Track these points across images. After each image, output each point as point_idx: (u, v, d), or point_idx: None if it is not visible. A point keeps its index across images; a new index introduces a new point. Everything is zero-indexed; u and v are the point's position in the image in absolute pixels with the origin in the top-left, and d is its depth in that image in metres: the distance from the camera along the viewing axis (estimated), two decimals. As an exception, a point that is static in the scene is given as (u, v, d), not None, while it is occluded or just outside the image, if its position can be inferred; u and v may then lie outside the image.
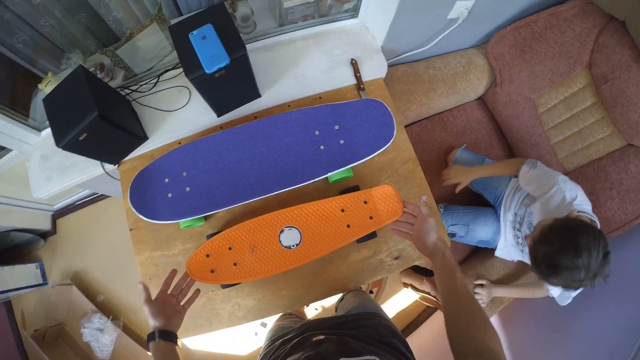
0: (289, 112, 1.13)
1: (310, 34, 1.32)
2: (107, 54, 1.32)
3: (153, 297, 0.87)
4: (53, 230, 2.18)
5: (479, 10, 1.31)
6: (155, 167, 1.13)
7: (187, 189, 1.09)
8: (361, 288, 1.38)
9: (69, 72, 1.11)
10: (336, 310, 1.32)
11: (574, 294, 1.22)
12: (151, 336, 0.80)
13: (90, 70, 1.26)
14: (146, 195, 1.11)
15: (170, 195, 1.09)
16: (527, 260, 1.32)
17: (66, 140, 1.00)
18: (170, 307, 0.87)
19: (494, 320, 1.64)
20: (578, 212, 1.13)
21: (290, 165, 1.09)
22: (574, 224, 1.03)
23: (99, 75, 1.29)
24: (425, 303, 1.94)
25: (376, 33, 1.31)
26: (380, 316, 0.99)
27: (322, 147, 1.10)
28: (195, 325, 1.14)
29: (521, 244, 1.39)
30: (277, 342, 0.93)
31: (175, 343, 0.81)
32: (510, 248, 1.46)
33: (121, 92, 1.27)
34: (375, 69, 1.28)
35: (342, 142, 1.10)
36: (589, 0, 1.45)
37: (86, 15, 1.26)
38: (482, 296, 1.46)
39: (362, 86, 1.24)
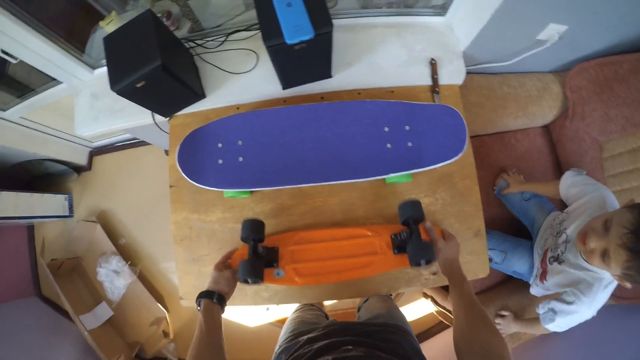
0: (361, 101, 1.00)
1: (393, 23, 1.16)
2: (177, 2, 1.19)
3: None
4: (88, 166, 2.10)
5: (568, 36, 1.15)
6: (211, 129, 1.01)
7: (240, 159, 0.97)
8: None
9: (133, 14, 0.99)
10: (358, 310, 1.22)
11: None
12: (209, 295, 0.80)
13: (158, 15, 1.15)
14: (195, 157, 0.99)
15: (221, 161, 0.98)
16: (539, 291, 1.24)
17: (122, 85, 0.89)
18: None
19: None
20: None
21: (352, 157, 0.96)
22: None
23: (165, 23, 1.17)
24: (440, 318, 1.83)
25: (461, 37, 1.15)
26: (408, 332, 0.90)
27: (388, 145, 0.97)
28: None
29: (536, 275, 1.23)
30: (301, 338, 0.84)
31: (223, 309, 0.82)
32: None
33: (186, 45, 1.15)
34: (453, 74, 1.13)
35: (410, 144, 0.97)
36: None
37: None
38: (502, 327, 1.34)
39: (437, 89, 1.10)
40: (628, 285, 0.85)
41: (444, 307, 1.68)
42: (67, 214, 2.02)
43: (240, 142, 0.98)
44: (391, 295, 1.86)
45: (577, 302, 1.00)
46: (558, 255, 1.09)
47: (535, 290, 1.26)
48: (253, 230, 0.88)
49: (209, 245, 1.07)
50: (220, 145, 0.99)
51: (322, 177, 0.94)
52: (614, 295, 1.33)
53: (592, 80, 1.33)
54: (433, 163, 0.96)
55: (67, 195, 2.03)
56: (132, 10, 1.21)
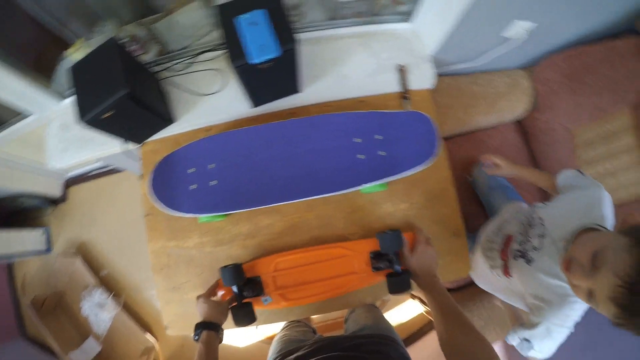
0: (331, 115, 1.01)
1: (359, 33, 1.18)
2: (143, 26, 1.20)
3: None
4: (63, 198, 2.06)
5: (536, 33, 1.18)
6: (182, 154, 1.01)
7: (213, 182, 0.97)
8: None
9: (100, 40, 0.99)
10: (346, 321, 1.22)
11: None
12: (211, 326, 0.82)
13: (123, 41, 1.14)
14: (168, 184, 0.99)
15: (194, 187, 0.97)
16: (502, 289, 1.07)
17: (90, 115, 0.89)
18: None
19: (499, 346, 1.54)
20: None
21: (325, 171, 0.97)
22: None
23: (131, 48, 1.16)
24: (430, 317, 1.82)
25: (428, 41, 1.17)
26: (395, 341, 0.91)
27: (360, 156, 0.98)
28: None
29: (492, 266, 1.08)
30: (288, 358, 0.85)
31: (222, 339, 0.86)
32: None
33: (152, 69, 1.15)
34: (422, 79, 1.15)
35: (382, 153, 0.98)
36: None
37: None
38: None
39: (407, 95, 1.12)
40: None
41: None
42: (46, 249, 1.98)
43: (211, 166, 0.98)
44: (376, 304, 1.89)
45: (543, 327, 0.84)
46: (526, 251, 0.92)
47: (484, 283, 1.17)
48: (233, 277, 0.91)
49: (189, 272, 1.06)
50: (192, 170, 0.99)
51: (296, 194, 0.95)
52: None
53: (561, 72, 1.37)
54: (406, 170, 0.97)
55: (44, 229, 1.99)
56: (98, 36, 1.21)
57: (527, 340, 0.88)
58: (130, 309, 1.94)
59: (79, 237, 2.05)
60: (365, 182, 0.96)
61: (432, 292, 0.82)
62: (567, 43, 1.39)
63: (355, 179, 0.96)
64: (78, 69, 0.95)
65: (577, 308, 0.81)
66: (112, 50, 0.93)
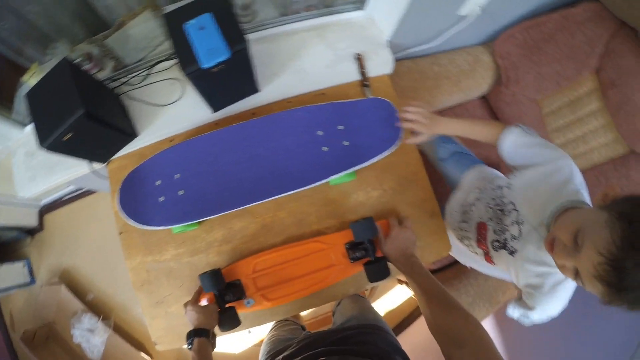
0: (290, 111, 1.01)
1: (314, 26, 1.19)
2: (95, 43, 1.19)
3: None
4: (40, 227, 2.04)
5: (490, 8, 1.20)
6: (146, 168, 1.00)
7: (181, 192, 0.97)
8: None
9: (55, 62, 0.98)
10: (333, 314, 1.23)
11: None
12: (202, 333, 0.82)
13: (77, 60, 1.14)
14: (136, 199, 0.99)
15: (162, 199, 0.98)
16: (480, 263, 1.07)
17: (50, 140, 0.88)
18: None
19: (490, 320, 1.57)
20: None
21: (290, 168, 0.98)
22: None
23: (86, 66, 1.16)
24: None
25: (383, 27, 1.19)
26: (382, 329, 0.92)
27: (324, 148, 0.99)
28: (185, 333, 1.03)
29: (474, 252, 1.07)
30: (277, 358, 0.85)
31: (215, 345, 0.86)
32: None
33: (109, 85, 1.14)
34: (381, 65, 1.16)
35: (346, 143, 0.99)
36: (603, 6, 1.37)
37: (75, 3, 1.12)
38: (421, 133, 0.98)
39: (366, 83, 1.13)
40: None
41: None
42: (29, 281, 1.95)
43: (177, 176, 0.99)
44: (364, 293, 1.90)
45: (539, 308, 0.84)
46: (505, 241, 0.89)
47: (465, 259, 1.18)
48: (213, 283, 0.92)
49: (170, 285, 1.06)
50: (158, 182, 0.99)
51: (264, 194, 0.96)
52: None
53: (520, 44, 1.40)
54: (373, 157, 0.99)
55: (24, 261, 1.97)
56: (53, 58, 1.20)
57: (525, 316, 0.88)
58: (121, 330, 1.93)
59: (61, 264, 2.03)
60: (332, 174, 0.97)
61: (412, 274, 0.83)
62: (523, 15, 1.42)
63: (321, 172, 0.97)
64: (33, 95, 0.94)
65: (569, 287, 0.80)
66: (64, 72, 0.92)
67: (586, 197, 0.79)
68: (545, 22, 1.40)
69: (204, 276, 0.92)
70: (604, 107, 1.39)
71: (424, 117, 0.96)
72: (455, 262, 1.55)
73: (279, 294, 1.00)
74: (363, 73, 1.13)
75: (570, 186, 0.79)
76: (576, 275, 0.66)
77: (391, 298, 2.00)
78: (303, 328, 1.22)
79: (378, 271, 0.93)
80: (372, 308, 1.12)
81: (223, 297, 0.94)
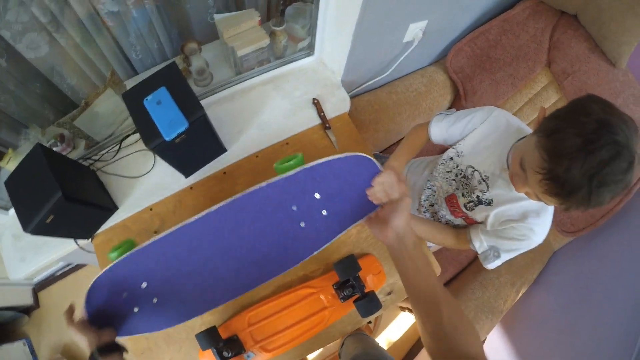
0: (256, 190, 0.91)
1: (269, 79, 1.30)
2: (64, 126, 1.27)
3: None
4: (36, 305, 2.08)
5: (432, 29, 1.31)
6: (104, 283, 0.92)
7: (154, 300, 0.89)
8: (360, 328, 1.35)
9: (29, 146, 1.06)
10: (339, 357, 1.28)
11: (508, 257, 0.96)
12: (95, 354, 0.72)
13: (50, 142, 1.22)
14: (109, 314, 0.89)
15: (136, 309, 0.89)
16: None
17: (33, 224, 0.95)
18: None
19: (495, 329, 1.63)
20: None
21: (268, 253, 0.90)
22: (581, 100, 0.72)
23: (59, 147, 1.24)
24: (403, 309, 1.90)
25: (334, 67, 1.30)
26: None
27: (302, 224, 0.90)
28: None
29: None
30: None
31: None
32: None
33: (84, 163, 1.23)
34: (338, 105, 1.26)
35: (325, 212, 0.90)
36: (539, 0, 1.47)
37: (41, 86, 1.22)
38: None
39: (327, 125, 1.22)
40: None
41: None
42: (31, 360, 1.99)
43: (144, 285, 0.89)
44: (370, 321, 1.94)
45: (530, 235, 0.90)
46: (479, 198, 0.98)
47: None
48: (209, 340, 0.95)
49: (169, 349, 1.11)
50: (125, 295, 0.89)
51: (244, 286, 0.90)
52: (560, 230, 1.47)
53: (470, 56, 1.50)
54: (356, 220, 0.90)
55: (25, 340, 2.00)
56: (26, 143, 1.26)
57: (496, 250, 0.95)
58: (131, 398, 1.96)
59: (61, 339, 2.06)
60: (316, 249, 0.90)
61: (407, 260, 0.72)
62: (466, 28, 1.52)
63: (303, 250, 0.88)
64: (12, 182, 1.01)
65: (549, 215, 0.91)
66: (38, 157, 0.99)
67: (527, 128, 0.93)
68: (489, 30, 1.50)
69: (200, 336, 0.96)
70: (563, 97, 1.47)
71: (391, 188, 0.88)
72: (449, 282, 1.63)
73: (278, 344, 1.05)
74: (322, 117, 1.23)
75: (511, 128, 0.93)
76: (537, 197, 0.76)
77: (396, 328, 2.04)
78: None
79: (368, 305, 0.97)
80: (375, 344, 1.16)
81: (222, 353, 0.97)
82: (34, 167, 1.00)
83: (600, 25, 1.32)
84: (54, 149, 1.22)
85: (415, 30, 1.28)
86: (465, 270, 1.65)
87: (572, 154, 0.65)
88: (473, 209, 1.01)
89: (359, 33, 1.12)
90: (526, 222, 0.90)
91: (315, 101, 1.24)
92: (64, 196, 0.94)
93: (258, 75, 1.29)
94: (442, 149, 1.15)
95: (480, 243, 0.98)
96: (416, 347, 1.94)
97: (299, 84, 1.29)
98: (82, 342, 0.74)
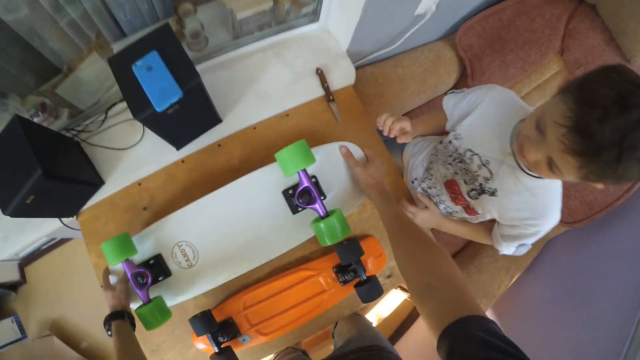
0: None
1: (269, 45, 1.15)
2: (45, 94, 1.12)
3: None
4: (22, 280, 1.95)
5: (446, 2, 1.18)
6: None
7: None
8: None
9: (8, 118, 0.93)
10: (332, 336, 1.20)
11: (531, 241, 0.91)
12: (119, 315, 0.80)
13: (31, 112, 1.07)
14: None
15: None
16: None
17: (12, 207, 0.83)
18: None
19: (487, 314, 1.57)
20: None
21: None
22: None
23: (40, 117, 1.09)
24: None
25: (340, 36, 1.15)
26: (382, 349, 0.90)
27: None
28: None
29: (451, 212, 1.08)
30: None
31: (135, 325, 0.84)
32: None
33: (67, 135, 1.09)
34: (343, 76, 1.13)
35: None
36: None
37: (20, 51, 1.03)
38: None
39: (331, 97, 1.09)
40: (600, 186, 0.65)
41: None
42: (20, 337, 1.87)
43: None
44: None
45: (543, 226, 0.85)
46: (481, 186, 0.89)
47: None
48: (204, 325, 0.87)
49: (162, 331, 1.01)
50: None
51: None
52: (562, 222, 1.40)
53: (481, 35, 1.38)
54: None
55: (13, 317, 1.88)
56: (5, 114, 1.11)
57: (524, 245, 0.91)
58: (122, 374, 1.86)
59: (50, 315, 1.95)
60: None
61: (388, 206, 0.79)
62: (480, 5, 1.40)
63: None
64: None
65: (556, 189, 0.81)
66: (16, 131, 0.86)
67: (530, 108, 0.82)
68: (503, 10, 1.38)
69: (194, 320, 0.87)
70: None
71: (392, 119, 0.95)
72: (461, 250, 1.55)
73: (274, 327, 0.97)
74: (326, 88, 1.09)
75: (513, 108, 0.83)
76: (551, 167, 0.65)
77: (386, 304, 1.98)
78: (304, 352, 1.19)
79: (370, 291, 0.89)
80: (369, 324, 1.10)
81: (217, 338, 0.89)
82: (12, 142, 0.87)
83: (620, 19, 1.25)
84: (35, 119, 1.08)
85: (429, 2, 1.14)
86: (461, 252, 1.57)
87: (607, 105, 0.55)
88: (477, 198, 0.92)
89: (371, 1, 0.98)
90: (539, 214, 0.83)
91: (319, 71, 1.11)
92: (45, 173, 0.82)
93: (257, 41, 1.13)
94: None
95: (508, 249, 0.95)
96: (406, 323, 1.88)
97: (302, 51, 1.14)
98: (107, 301, 0.83)
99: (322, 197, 0.91)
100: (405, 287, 1.36)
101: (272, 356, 1.19)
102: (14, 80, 1.09)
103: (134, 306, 0.90)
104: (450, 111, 0.99)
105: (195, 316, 0.88)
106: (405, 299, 1.89)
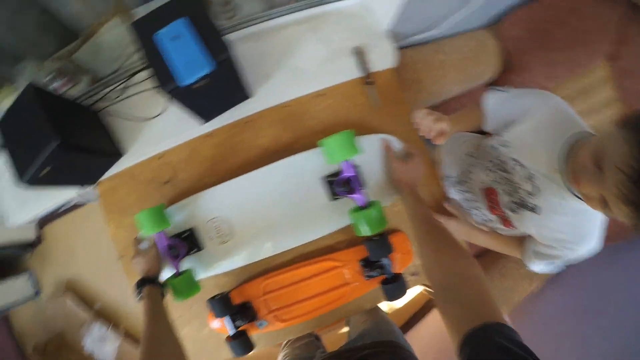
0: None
1: (305, 18, 1.02)
2: (63, 59, 1.02)
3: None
4: (39, 240, 1.91)
5: None
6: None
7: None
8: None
9: (25, 82, 0.88)
10: (347, 323, 1.16)
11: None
12: (151, 281, 0.78)
13: (48, 78, 0.99)
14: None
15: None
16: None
17: (27, 176, 0.77)
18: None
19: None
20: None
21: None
22: None
23: (58, 83, 1.00)
24: (430, 295, 1.76)
25: (382, 15, 1.02)
26: (398, 346, 0.85)
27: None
28: (202, 354, 0.96)
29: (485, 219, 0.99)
30: None
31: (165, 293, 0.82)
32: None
33: (86, 103, 1.00)
34: (382, 58, 1.00)
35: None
36: None
37: (38, 14, 0.97)
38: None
39: (370, 80, 0.98)
40: None
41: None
42: (34, 293, 1.85)
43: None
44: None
45: (581, 251, 0.79)
46: (523, 201, 0.81)
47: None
48: (222, 308, 0.84)
49: (178, 307, 0.96)
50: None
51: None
52: None
53: (528, 28, 1.25)
54: None
55: (28, 274, 1.86)
56: (22, 78, 1.03)
57: (561, 265, 0.86)
58: (132, 337, 1.85)
59: (65, 274, 1.92)
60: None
61: (416, 207, 0.76)
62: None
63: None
64: (5, 124, 0.82)
65: (599, 219, 0.74)
66: (32, 99, 0.79)
67: (584, 124, 0.73)
68: (556, 4, 1.24)
69: (212, 302, 0.84)
70: (618, 97, 1.26)
71: (432, 119, 0.86)
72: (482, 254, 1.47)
73: (293, 315, 0.93)
74: (365, 69, 0.98)
75: (568, 121, 0.74)
76: (603, 205, 0.60)
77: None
78: (317, 338, 1.14)
79: (396, 290, 0.85)
80: (385, 318, 1.04)
81: (234, 321, 0.86)
82: (28, 110, 0.80)
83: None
84: (53, 85, 0.99)
85: None
86: (486, 254, 1.48)
87: None
88: (516, 211, 0.83)
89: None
90: (580, 239, 0.77)
91: (358, 50, 0.99)
92: (61, 144, 0.75)
93: (292, 12, 1.01)
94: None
95: (538, 267, 0.89)
96: (420, 313, 1.82)
97: (340, 28, 1.02)
98: (139, 266, 0.81)
99: (362, 188, 0.84)
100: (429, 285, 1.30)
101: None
102: (32, 43, 1.02)
103: (163, 277, 0.87)
104: (491, 110, 0.88)
105: (214, 297, 0.85)
106: (420, 293, 1.83)
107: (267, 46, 1.00)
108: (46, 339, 1.80)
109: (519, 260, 1.34)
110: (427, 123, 0.85)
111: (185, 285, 0.85)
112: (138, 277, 0.79)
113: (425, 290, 1.56)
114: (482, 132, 0.98)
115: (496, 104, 0.87)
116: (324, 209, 0.91)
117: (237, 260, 0.92)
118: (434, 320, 1.69)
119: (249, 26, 1.01)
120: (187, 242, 0.91)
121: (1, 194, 1.07)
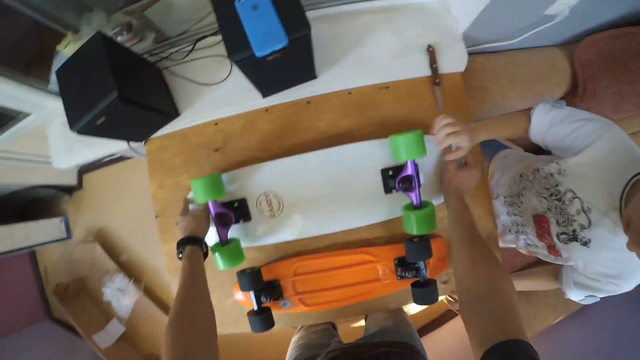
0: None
1: (380, 7, 0.96)
2: (133, 14, 1.00)
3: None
4: (79, 185, 1.95)
5: (580, 9, 0.96)
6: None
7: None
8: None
9: (91, 32, 0.83)
10: (365, 319, 1.12)
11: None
12: (194, 240, 0.75)
13: (115, 30, 0.96)
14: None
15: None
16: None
17: (82, 124, 0.75)
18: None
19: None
20: None
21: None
22: None
23: (124, 37, 0.98)
24: (449, 306, 1.69)
25: (460, 16, 0.95)
26: (415, 350, 0.81)
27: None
28: (221, 324, 0.91)
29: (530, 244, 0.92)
30: None
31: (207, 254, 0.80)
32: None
33: (150, 59, 0.98)
34: (453, 61, 0.94)
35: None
36: None
37: None
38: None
39: (437, 80, 0.92)
40: None
41: (451, 294, 1.54)
42: (65, 236, 1.89)
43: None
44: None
45: (623, 287, 0.75)
46: (575, 233, 0.75)
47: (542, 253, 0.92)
48: (251, 283, 0.81)
49: (207, 274, 0.93)
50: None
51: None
52: None
53: (604, 54, 1.14)
54: None
55: (62, 217, 1.90)
56: (88, 28, 1.00)
57: (595, 297, 0.83)
58: (151, 293, 1.87)
59: (97, 223, 1.95)
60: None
61: (460, 213, 0.72)
62: (613, 21, 1.16)
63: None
64: (65, 72, 0.80)
65: None
66: (98, 48, 0.76)
67: None
68: (635, 34, 1.13)
69: (242, 275, 0.81)
70: None
71: (457, 125, 0.73)
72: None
73: (318, 301, 0.90)
74: (434, 69, 0.92)
75: (630, 157, 0.67)
76: None
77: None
78: (334, 326, 1.11)
79: (427, 295, 0.79)
80: (406, 319, 0.99)
81: (260, 297, 0.83)
82: (92, 58, 0.77)
83: None
84: (118, 38, 0.97)
85: (563, 4, 0.93)
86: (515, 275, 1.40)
87: None
88: (566, 243, 0.77)
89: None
90: (626, 276, 0.72)
91: (430, 49, 0.93)
92: (121, 97, 0.72)
93: (370, 0, 0.96)
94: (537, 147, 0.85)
95: (577, 297, 0.86)
96: (438, 321, 1.75)
97: (415, 23, 0.95)
98: (185, 224, 0.78)
99: (420, 187, 0.79)
100: (452, 296, 1.24)
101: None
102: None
103: (209, 244, 0.86)
104: (541, 124, 0.78)
105: (244, 271, 0.82)
106: (441, 300, 1.76)
107: (340, 30, 0.95)
108: (69, 281, 1.83)
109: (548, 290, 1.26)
110: (444, 133, 0.73)
111: (232, 254, 0.82)
112: (181, 236, 0.76)
113: (447, 299, 1.49)
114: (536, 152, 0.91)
115: (546, 118, 0.77)
116: (376, 200, 0.87)
117: (283, 235, 0.90)
118: (448, 334, 1.62)
119: (324, 7, 0.96)
120: (236, 212, 0.88)
121: (52, 136, 1.07)
